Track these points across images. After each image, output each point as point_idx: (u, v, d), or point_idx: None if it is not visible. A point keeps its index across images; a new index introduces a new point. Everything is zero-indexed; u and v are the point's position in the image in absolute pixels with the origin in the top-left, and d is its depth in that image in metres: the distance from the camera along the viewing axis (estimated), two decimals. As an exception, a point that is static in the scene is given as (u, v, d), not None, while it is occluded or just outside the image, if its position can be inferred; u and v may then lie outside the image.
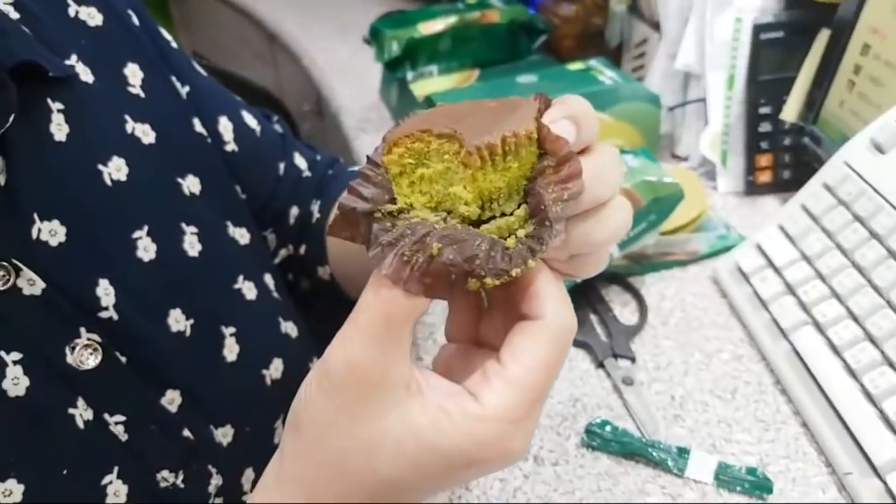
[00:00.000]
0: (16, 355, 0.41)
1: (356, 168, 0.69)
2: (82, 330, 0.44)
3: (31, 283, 0.42)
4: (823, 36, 0.77)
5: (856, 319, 0.58)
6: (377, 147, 0.35)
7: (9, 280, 0.41)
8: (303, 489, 0.33)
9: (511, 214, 0.32)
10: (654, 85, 0.90)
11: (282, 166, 0.66)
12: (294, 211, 0.66)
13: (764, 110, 0.81)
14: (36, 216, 0.44)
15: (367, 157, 0.34)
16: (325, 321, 0.70)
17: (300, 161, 0.68)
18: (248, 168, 0.62)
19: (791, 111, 0.80)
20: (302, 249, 0.66)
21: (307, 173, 0.67)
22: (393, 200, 0.33)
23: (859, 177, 0.63)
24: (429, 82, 1.02)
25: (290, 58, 1.46)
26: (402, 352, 0.31)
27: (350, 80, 1.24)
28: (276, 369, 0.56)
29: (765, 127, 0.82)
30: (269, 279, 0.60)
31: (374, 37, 1.04)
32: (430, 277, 0.30)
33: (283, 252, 0.67)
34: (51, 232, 0.44)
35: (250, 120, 0.64)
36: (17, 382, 0.40)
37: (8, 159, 0.43)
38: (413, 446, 0.31)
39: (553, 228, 0.31)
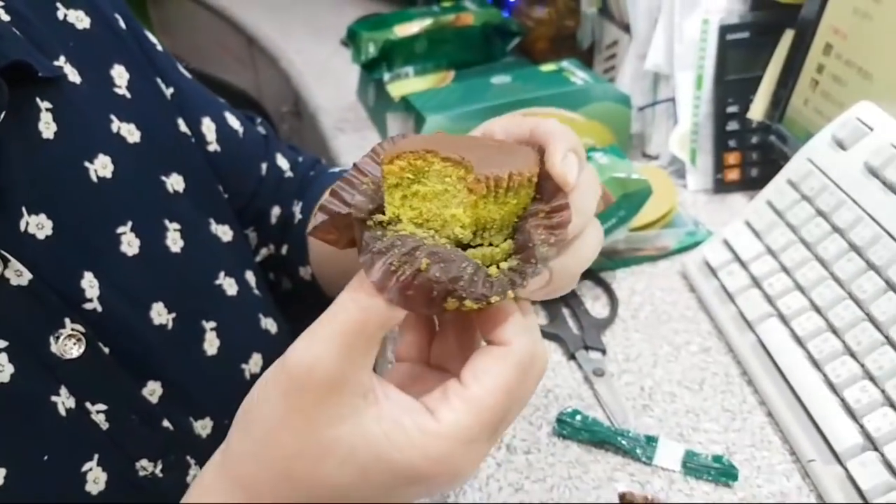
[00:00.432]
0: (1, 343, 0.42)
1: (336, 169, 0.70)
2: (67, 321, 0.45)
3: (19, 274, 0.43)
4: (788, 36, 0.79)
5: (818, 311, 0.59)
6: (365, 156, 0.36)
7: None
8: (244, 490, 0.33)
9: (497, 246, 0.34)
10: (625, 85, 0.92)
11: (264, 166, 0.67)
12: (276, 211, 0.67)
13: (731, 109, 0.83)
14: (24, 210, 0.45)
15: (354, 165, 0.36)
16: (305, 321, 0.71)
17: (282, 162, 0.69)
18: (230, 167, 0.63)
19: (758, 110, 0.82)
20: (284, 249, 0.67)
21: (289, 174, 0.69)
22: (378, 210, 0.34)
23: (822, 172, 0.65)
24: (405, 83, 1.03)
25: (269, 60, 1.47)
26: (367, 361, 0.31)
27: (327, 82, 1.25)
28: (255, 364, 0.57)
29: (732, 126, 0.84)
30: (250, 276, 0.61)
31: (352, 39, 1.05)
32: (414, 291, 0.31)
33: (264, 251, 0.68)
34: (38, 225, 0.45)
35: (233, 121, 0.65)
36: (1, 369, 0.41)
37: None
38: (364, 456, 0.31)
39: (536, 267, 0.32)
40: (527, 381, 0.33)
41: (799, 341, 0.59)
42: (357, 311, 0.31)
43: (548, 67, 0.92)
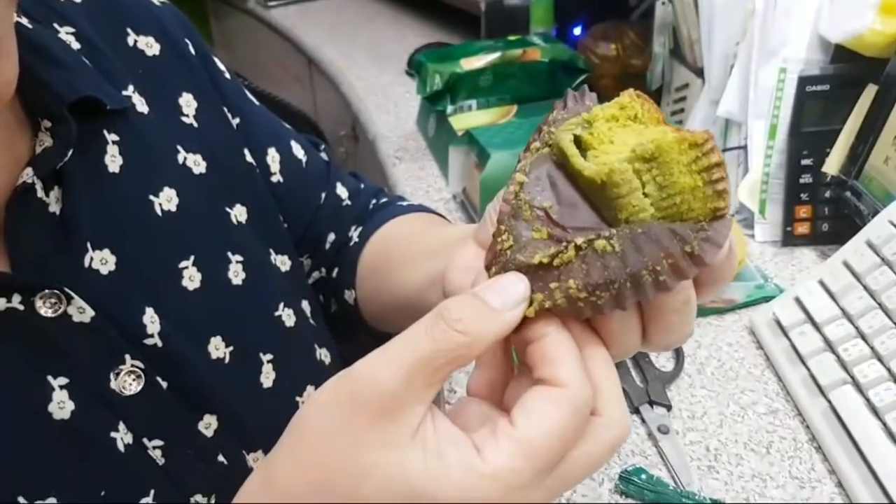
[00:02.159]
0: (62, 380, 0.41)
1: (405, 203, 0.70)
2: (127, 357, 0.44)
3: (81, 311, 0.43)
4: (870, 91, 0.77)
5: (898, 381, 0.57)
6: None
7: (60, 308, 0.42)
8: (278, 491, 0.32)
9: (647, 202, 0.30)
10: (695, 129, 0.91)
11: (323, 195, 0.67)
12: (331, 237, 0.67)
13: (806, 161, 0.81)
14: (89, 245, 0.45)
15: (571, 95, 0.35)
16: (349, 343, 0.70)
17: (342, 190, 0.68)
18: (291, 198, 0.63)
19: (833, 164, 0.80)
20: (335, 273, 0.67)
21: (347, 202, 0.68)
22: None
23: (904, 236, 0.63)
24: (468, 116, 1.03)
25: (328, 82, 1.48)
26: (428, 394, 0.30)
27: (387, 109, 1.25)
28: (309, 397, 0.56)
29: (805, 178, 0.82)
30: (306, 305, 0.60)
31: (417, 70, 1.05)
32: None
33: (315, 274, 0.68)
34: (102, 261, 0.45)
35: (297, 150, 0.65)
36: (62, 406, 0.41)
37: (64, 190, 0.44)
38: (400, 488, 0.30)
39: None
40: (580, 426, 0.31)
41: (876, 412, 0.57)
42: (428, 343, 0.30)
43: (615, 108, 0.91)
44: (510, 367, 0.37)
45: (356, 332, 0.68)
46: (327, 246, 0.67)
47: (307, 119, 1.53)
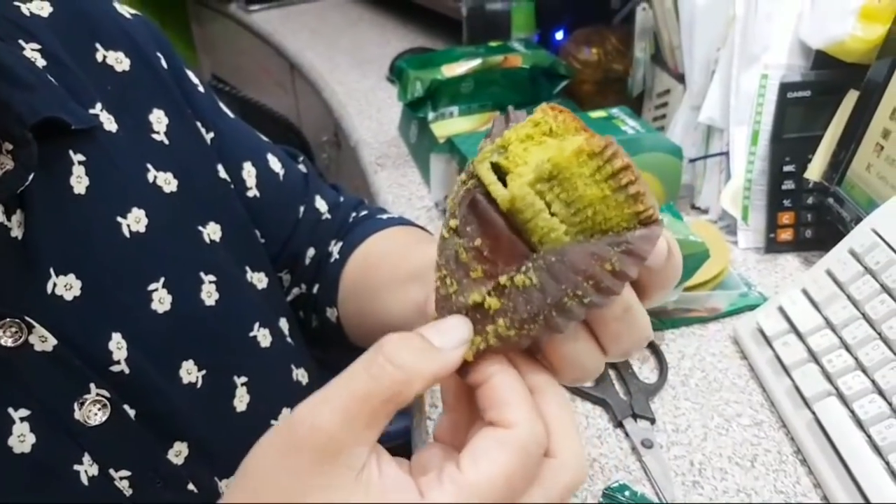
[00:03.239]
0: (23, 412, 0.40)
1: (385, 216, 0.68)
2: (92, 386, 0.43)
3: (43, 340, 0.42)
4: (851, 97, 0.77)
5: (882, 394, 0.57)
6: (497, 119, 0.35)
7: (21, 337, 0.41)
8: None
9: (555, 217, 0.29)
10: (676, 136, 0.90)
11: (301, 209, 0.65)
12: (310, 252, 0.65)
13: (788, 168, 0.81)
14: (52, 270, 0.43)
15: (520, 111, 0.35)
16: (330, 360, 0.69)
17: (321, 203, 0.67)
18: (268, 213, 0.62)
19: (815, 170, 0.79)
20: (315, 289, 0.66)
21: (327, 216, 0.67)
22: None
23: (888, 246, 0.62)
24: (449, 123, 1.02)
25: (310, 88, 1.47)
26: (370, 434, 0.29)
27: (369, 114, 1.24)
28: (283, 419, 0.55)
29: (788, 185, 0.81)
30: (283, 323, 0.59)
31: (398, 76, 1.04)
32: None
33: (295, 290, 0.67)
34: (66, 286, 0.44)
35: (274, 164, 0.64)
36: (22, 440, 0.40)
37: (27, 213, 0.43)
38: None
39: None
40: (529, 468, 0.30)
41: (860, 425, 0.56)
42: (365, 381, 0.29)
43: (597, 114, 0.91)
44: (475, 411, 0.36)
45: (341, 350, 0.67)
46: (307, 261, 0.66)
47: (289, 125, 1.52)
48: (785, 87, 0.79)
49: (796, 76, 0.79)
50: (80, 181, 0.46)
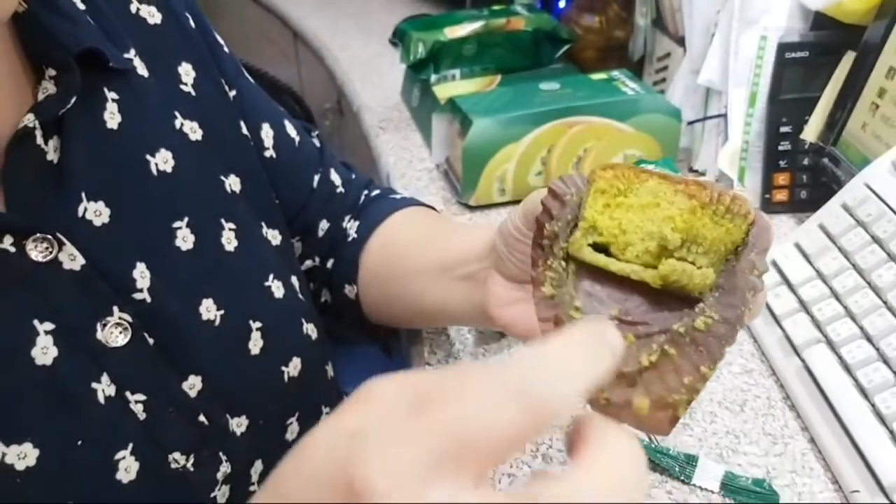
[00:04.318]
0: (48, 325, 0.42)
1: (398, 195, 0.70)
2: (115, 309, 0.45)
3: (72, 259, 0.43)
4: (848, 58, 0.78)
5: (870, 340, 0.58)
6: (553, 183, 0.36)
7: (51, 252, 0.42)
8: None
9: (700, 268, 0.32)
10: (676, 98, 0.91)
11: (317, 178, 0.67)
12: (323, 224, 0.67)
13: (784, 129, 0.82)
14: (84, 196, 0.45)
15: (561, 177, 0.36)
16: (339, 336, 0.71)
17: (335, 177, 0.69)
18: (284, 175, 0.64)
19: (812, 131, 0.80)
20: (329, 263, 0.67)
21: (341, 189, 0.69)
22: (575, 222, 0.34)
23: (879, 199, 0.63)
24: (451, 85, 1.03)
25: (313, 56, 1.47)
26: None
27: (372, 80, 1.25)
28: (294, 367, 0.56)
29: (784, 146, 0.82)
30: (295, 281, 0.60)
31: (401, 38, 1.05)
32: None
33: (308, 262, 0.68)
34: (96, 212, 0.45)
35: (291, 130, 0.66)
36: (45, 352, 0.41)
37: (62, 140, 0.45)
38: None
39: (736, 328, 0.31)
40: None
41: (848, 369, 0.58)
42: None
43: (598, 76, 0.92)
44: None
45: (356, 327, 0.69)
46: (320, 233, 0.67)
47: (292, 93, 1.52)
48: (783, 48, 0.80)
49: (794, 37, 0.80)
50: (112, 117, 0.48)
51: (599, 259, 0.33)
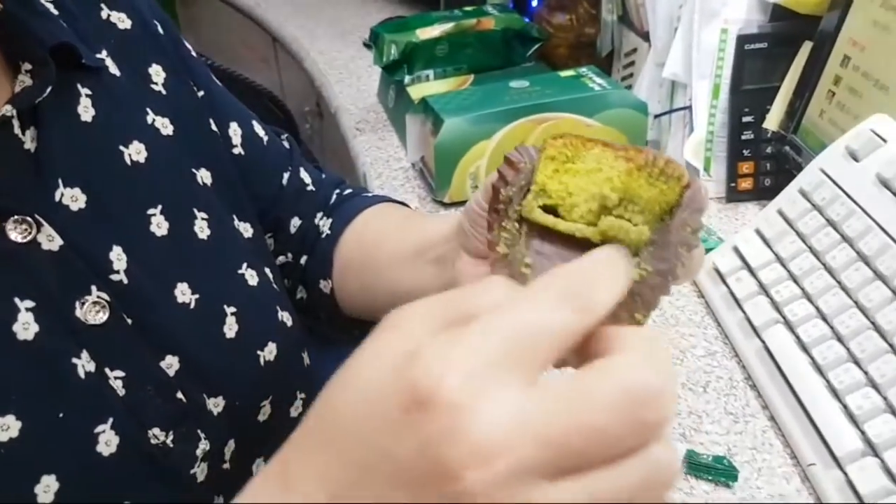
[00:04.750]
0: (29, 303, 0.43)
1: (370, 193, 0.72)
2: (93, 288, 0.46)
3: (51, 239, 0.45)
4: (806, 48, 0.80)
5: (824, 318, 0.60)
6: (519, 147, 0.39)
7: (30, 234, 0.44)
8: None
9: (635, 225, 0.34)
10: (643, 92, 0.93)
11: (286, 176, 0.69)
12: (295, 221, 0.69)
13: (747, 119, 0.84)
14: (60, 182, 0.47)
15: (516, 148, 0.38)
16: (314, 332, 0.73)
17: (304, 175, 0.71)
18: (253, 172, 0.65)
19: (773, 120, 0.82)
20: (303, 260, 0.69)
21: (311, 187, 0.70)
22: (528, 187, 0.36)
23: (834, 183, 0.65)
24: (425, 86, 1.04)
25: (292, 60, 1.49)
26: None
27: (349, 83, 1.27)
28: (269, 352, 0.58)
29: (747, 135, 0.84)
30: (269, 272, 0.62)
31: (374, 41, 1.07)
32: None
33: (281, 258, 0.70)
34: (72, 198, 0.47)
35: (259, 130, 0.68)
36: (27, 327, 0.43)
37: (39, 130, 0.47)
38: None
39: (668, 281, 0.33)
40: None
41: (804, 348, 0.60)
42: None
43: (566, 73, 0.93)
44: None
45: (332, 322, 0.71)
46: (292, 230, 0.69)
47: (273, 98, 1.53)
48: (742, 40, 0.82)
49: (753, 29, 0.82)
50: (86, 110, 0.50)
51: (548, 220, 0.35)
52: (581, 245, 0.35)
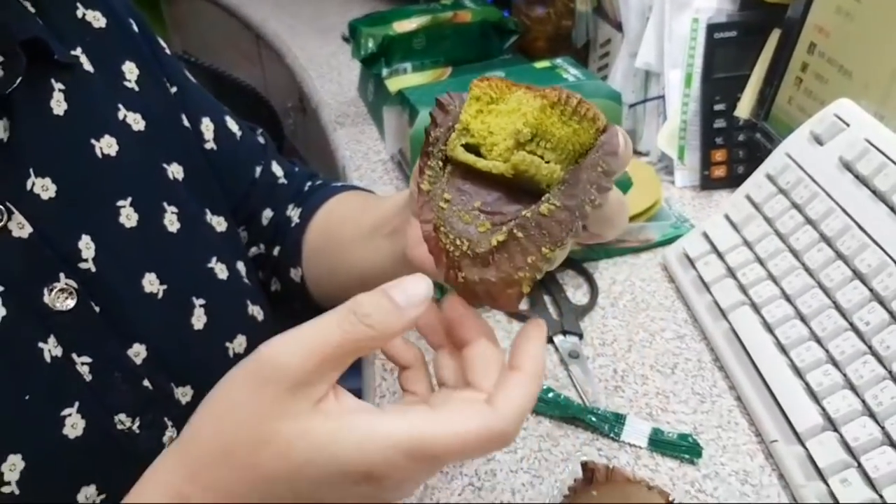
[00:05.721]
0: None
1: (339, 184, 0.73)
2: (61, 275, 0.47)
3: (21, 227, 0.46)
4: (775, 35, 0.81)
5: (788, 299, 0.61)
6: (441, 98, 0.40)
7: (1, 220, 0.45)
8: (187, 471, 0.34)
9: (547, 162, 0.35)
10: (617, 83, 0.94)
11: (258, 169, 0.70)
12: (267, 213, 0.70)
13: (719, 107, 0.85)
14: (31, 171, 0.48)
15: (448, 93, 0.40)
16: (290, 322, 0.73)
17: (277, 169, 0.72)
18: (225, 167, 0.66)
19: (744, 108, 0.83)
20: (275, 251, 0.70)
21: (283, 180, 0.72)
22: (452, 129, 0.37)
23: (798, 166, 0.66)
24: (403, 79, 1.05)
25: (275, 56, 1.49)
26: (334, 374, 0.34)
27: (330, 77, 1.27)
28: (239, 344, 0.59)
29: (720, 123, 0.85)
30: (240, 266, 0.63)
31: (352, 35, 1.07)
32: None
33: (254, 250, 0.71)
34: (43, 187, 0.48)
35: (232, 125, 0.69)
36: None
37: (11, 122, 0.47)
38: (301, 451, 0.32)
39: (577, 221, 0.35)
40: (486, 450, 0.35)
41: (768, 328, 0.61)
42: (339, 334, 0.33)
43: (541, 64, 0.94)
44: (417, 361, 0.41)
45: (305, 311, 0.71)
46: (265, 222, 0.70)
47: (258, 95, 1.54)
48: (712, 28, 0.83)
49: (723, 18, 0.83)
50: (59, 104, 0.51)
51: (469, 157, 0.36)
52: (499, 182, 0.36)
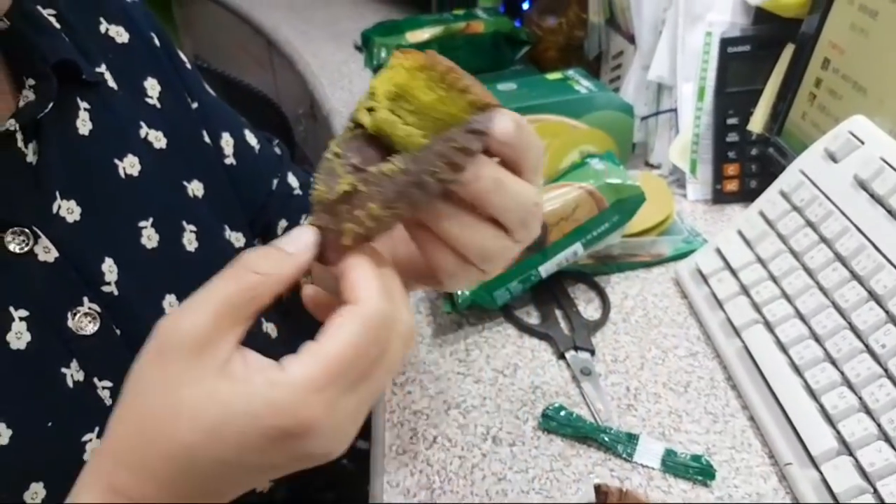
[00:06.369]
0: (23, 312, 0.44)
1: None
2: (85, 299, 0.48)
3: (47, 251, 0.46)
4: (789, 50, 0.81)
5: (802, 318, 0.61)
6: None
7: (27, 245, 0.45)
8: (112, 457, 0.34)
9: (407, 125, 0.35)
10: (629, 95, 0.94)
11: (275, 181, 0.71)
12: (282, 223, 0.71)
13: (731, 121, 0.85)
14: (58, 194, 0.48)
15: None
16: (298, 328, 0.73)
17: (292, 180, 0.73)
18: (244, 181, 0.67)
19: (757, 122, 0.83)
20: None
21: (298, 191, 0.72)
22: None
23: (812, 184, 0.66)
24: (415, 88, 1.05)
25: (287, 63, 1.50)
26: (235, 331, 0.33)
27: (342, 85, 1.28)
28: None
29: (732, 137, 0.85)
30: None
31: (365, 44, 1.07)
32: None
33: None
34: (68, 210, 0.49)
35: (251, 138, 0.69)
36: (19, 336, 0.44)
37: (40, 143, 0.48)
38: (212, 415, 0.32)
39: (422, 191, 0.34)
40: (375, 336, 0.34)
41: (782, 348, 0.61)
42: (232, 284, 0.33)
43: (553, 76, 0.94)
44: None
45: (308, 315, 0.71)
46: (279, 232, 0.70)
47: (268, 101, 1.54)
48: (725, 42, 0.82)
49: (736, 32, 0.83)
50: (84, 124, 0.52)
51: (362, 117, 0.37)
52: (381, 144, 0.36)
